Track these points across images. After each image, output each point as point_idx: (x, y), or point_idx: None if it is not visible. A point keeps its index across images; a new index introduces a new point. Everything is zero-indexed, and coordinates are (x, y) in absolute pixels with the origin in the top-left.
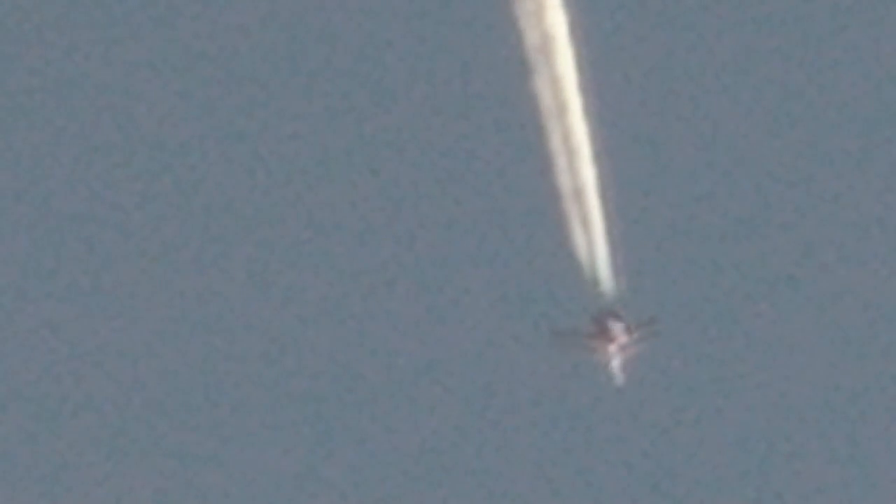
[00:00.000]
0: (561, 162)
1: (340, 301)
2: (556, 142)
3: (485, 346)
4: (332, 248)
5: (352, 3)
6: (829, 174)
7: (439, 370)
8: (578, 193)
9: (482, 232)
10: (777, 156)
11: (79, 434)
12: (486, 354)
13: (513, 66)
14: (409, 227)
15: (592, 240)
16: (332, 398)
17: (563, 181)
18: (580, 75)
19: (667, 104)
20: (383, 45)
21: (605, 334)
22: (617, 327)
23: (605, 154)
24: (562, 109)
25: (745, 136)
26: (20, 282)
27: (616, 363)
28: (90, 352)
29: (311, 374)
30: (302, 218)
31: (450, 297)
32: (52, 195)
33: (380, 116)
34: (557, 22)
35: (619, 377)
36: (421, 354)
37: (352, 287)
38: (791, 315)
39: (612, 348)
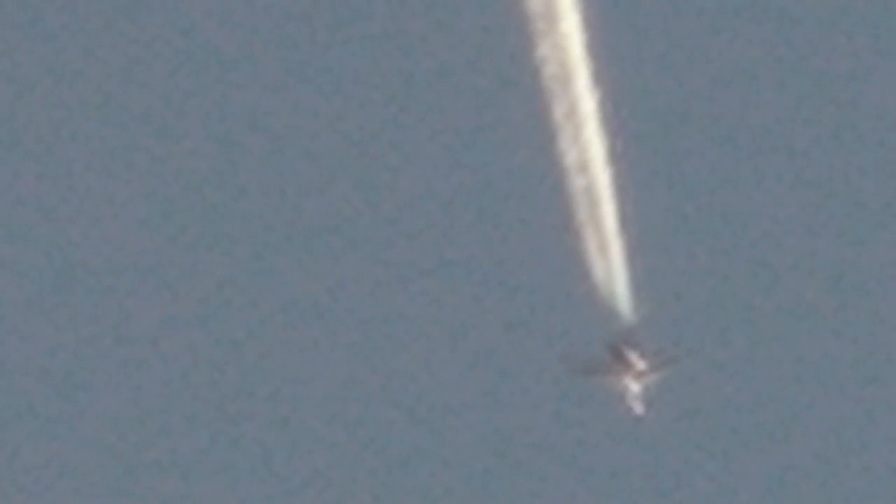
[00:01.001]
0: (574, 167)
1: (347, 327)
2: (569, 144)
3: (493, 372)
4: (333, 264)
5: None
6: (870, 188)
7: (447, 399)
8: (593, 205)
9: (488, 247)
10: (821, 158)
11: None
12: (493, 381)
13: (527, 70)
14: (414, 239)
15: (609, 257)
16: (342, 433)
17: (577, 191)
18: (595, 82)
19: (690, 108)
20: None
21: (621, 362)
22: (634, 355)
23: (623, 159)
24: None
25: (777, 134)
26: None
27: (634, 392)
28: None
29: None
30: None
31: (455, 318)
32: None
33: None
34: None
35: (637, 407)
36: (428, 382)
37: (357, 317)
38: (823, 341)
39: (630, 377)
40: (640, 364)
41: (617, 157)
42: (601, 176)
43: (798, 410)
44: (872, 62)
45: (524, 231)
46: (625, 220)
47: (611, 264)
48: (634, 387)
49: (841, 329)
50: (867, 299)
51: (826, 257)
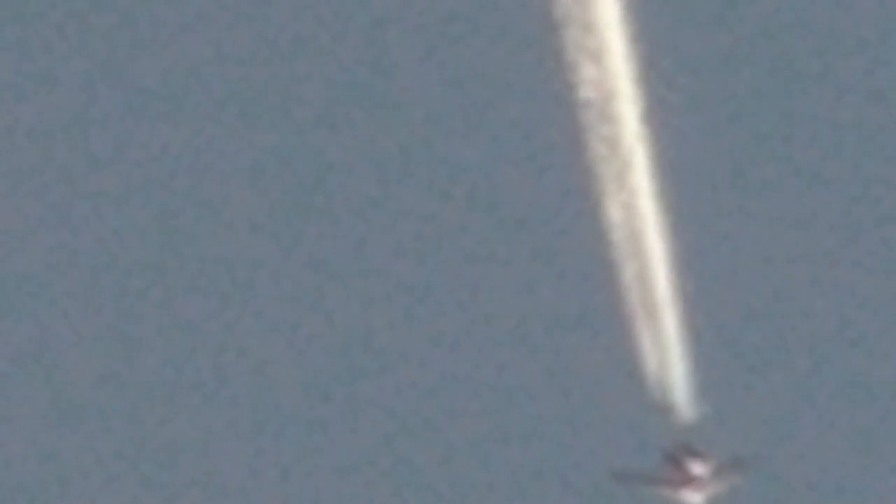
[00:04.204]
0: (628, 263)
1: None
2: (619, 229)
3: (535, 490)
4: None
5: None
6: None
7: None
8: (647, 296)
9: (529, 343)
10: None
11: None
12: (541, 494)
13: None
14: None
15: (664, 353)
16: None
17: (629, 281)
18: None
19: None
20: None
21: (681, 475)
22: (697, 466)
23: (680, 244)
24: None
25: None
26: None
27: None
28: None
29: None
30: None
31: (492, 425)
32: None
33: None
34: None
35: None
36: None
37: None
38: None
39: (691, 491)
40: (701, 472)
41: (671, 230)
42: (656, 261)
43: None
44: None
45: (563, 321)
46: (684, 304)
47: (665, 357)
48: (694, 498)
49: None
50: None
51: None
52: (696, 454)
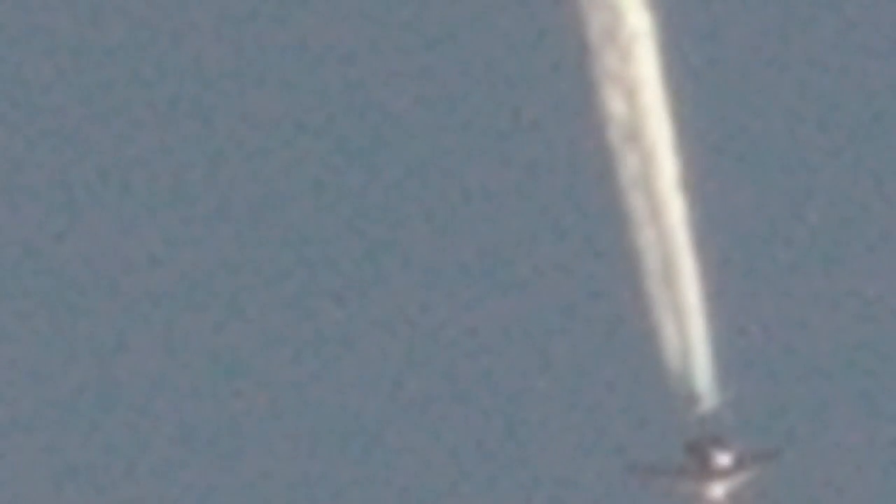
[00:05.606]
0: (648, 235)
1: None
2: (642, 208)
3: (550, 482)
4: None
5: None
6: None
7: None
8: (670, 279)
9: (546, 329)
10: None
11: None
12: (555, 488)
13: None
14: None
15: (687, 340)
16: None
17: (652, 264)
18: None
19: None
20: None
21: (705, 469)
22: (722, 459)
23: (705, 221)
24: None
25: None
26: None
27: (717, 500)
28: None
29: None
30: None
31: (506, 417)
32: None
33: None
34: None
35: None
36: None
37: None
38: None
39: (716, 486)
40: (725, 463)
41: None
42: (679, 239)
43: None
44: None
45: (579, 305)
46: (708, 284)
47: (688, 343)
48: (717, 491)
49: None
50: None
51: None
52: (719, 445)
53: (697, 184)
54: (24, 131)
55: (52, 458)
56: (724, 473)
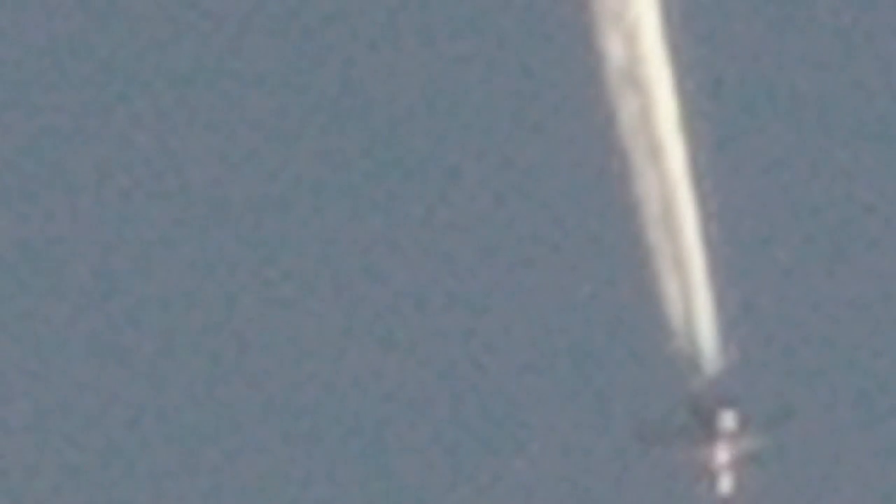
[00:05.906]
0: (652, 192)
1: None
2: (644, 162)
3: (554, 443)
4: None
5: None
6: None
7: (506, 478)
8: (672, 233)
9: (550, 287)
10: None
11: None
12: (556, 455)
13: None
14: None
15: (690, 296)
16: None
17: (653, 216)
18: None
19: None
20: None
21: (709, 428)
22: (727, 418)
23: (710, 180)
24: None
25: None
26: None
27: (722, 465)
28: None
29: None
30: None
31: (513, 374)
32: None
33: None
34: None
35: (725, 485)
36: (487, 447)
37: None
38: None
39: (719, 447)
40: (736, 431)
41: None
42: (682, 196)
43: None
44: None
45: (583, 261)
46: (711, 242)
47: (691, 300)
48: (723, 456)
49: None
50: None
51: None
52: (725, 405)
53: (698, 129)
54: (24, 131)
55: (52, 458)
56: (730, 436)
